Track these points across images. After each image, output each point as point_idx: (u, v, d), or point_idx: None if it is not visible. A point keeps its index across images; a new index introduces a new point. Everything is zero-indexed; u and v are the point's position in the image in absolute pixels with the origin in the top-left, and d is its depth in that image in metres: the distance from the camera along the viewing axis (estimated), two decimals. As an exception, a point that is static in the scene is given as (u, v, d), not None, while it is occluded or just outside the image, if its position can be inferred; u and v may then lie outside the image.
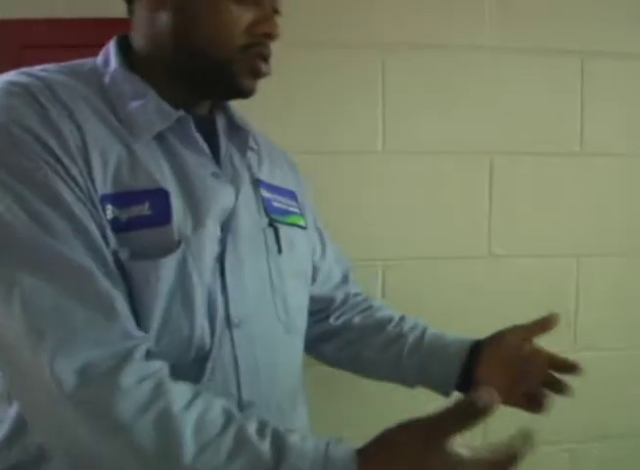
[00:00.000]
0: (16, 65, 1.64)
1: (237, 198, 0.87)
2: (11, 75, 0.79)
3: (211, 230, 0.82)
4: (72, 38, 1.43)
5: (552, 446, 1.63)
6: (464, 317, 1.57)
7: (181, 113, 0.83)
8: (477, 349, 1.02)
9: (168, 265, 0.76)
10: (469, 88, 1.55)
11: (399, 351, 1.07)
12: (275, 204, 0.96)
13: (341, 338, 1.14)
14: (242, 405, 0.83)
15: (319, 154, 1.50)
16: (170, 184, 0.80)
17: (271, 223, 0.92)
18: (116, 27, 1.46)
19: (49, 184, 0.70)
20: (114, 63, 0.86)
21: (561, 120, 1.60)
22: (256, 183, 0.94)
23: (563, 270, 1.63)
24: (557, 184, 1.61)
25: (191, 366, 0.79)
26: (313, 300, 1.08)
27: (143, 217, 0.76)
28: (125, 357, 0.67)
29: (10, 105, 0.73)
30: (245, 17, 0.83)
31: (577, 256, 1.63)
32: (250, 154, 0.95)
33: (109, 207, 0.74)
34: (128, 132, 0.80)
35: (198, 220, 0.80)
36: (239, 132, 0.94)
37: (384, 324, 1.13)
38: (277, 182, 1.00)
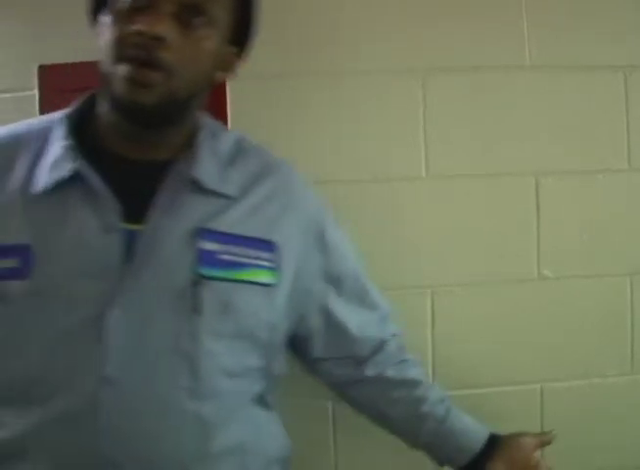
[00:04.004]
0: (58, 108, 1.66)
1: (134, 251, 0.84)
2: None
3: (81, 286, 0.82)
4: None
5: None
6: (515, 342, 1.54)
7: (77, 164, 0.84)
8: (492, 443, 1.11)
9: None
10: (511, 108, 1.53)
11: (420, 421, 1.12)
12: (224, 256, 0.88)
13: (371, 388, 1.15)
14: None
15: (363, 182, 1.49)
16: (29, 238, 0.82)
17: (197, 281, 0.85)
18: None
19: None
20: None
21: (606, 137, 1.56)
22: (197, 234, 0.87)
23: (616, 290, 1.58)
24: (605, 201, 1.57)
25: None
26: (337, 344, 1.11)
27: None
28: None
29: None
30: (126, 28, 0.83)
31: (631, 274, 1.58)
32: (208, 201, 0.89)
33: None
34: (25, 187, 0.85)
35: (54, 276, 0.82)
36: (192, 180, 0.89)
37: (414, 385, 1.15)
38: (249, 231, 0.92)
